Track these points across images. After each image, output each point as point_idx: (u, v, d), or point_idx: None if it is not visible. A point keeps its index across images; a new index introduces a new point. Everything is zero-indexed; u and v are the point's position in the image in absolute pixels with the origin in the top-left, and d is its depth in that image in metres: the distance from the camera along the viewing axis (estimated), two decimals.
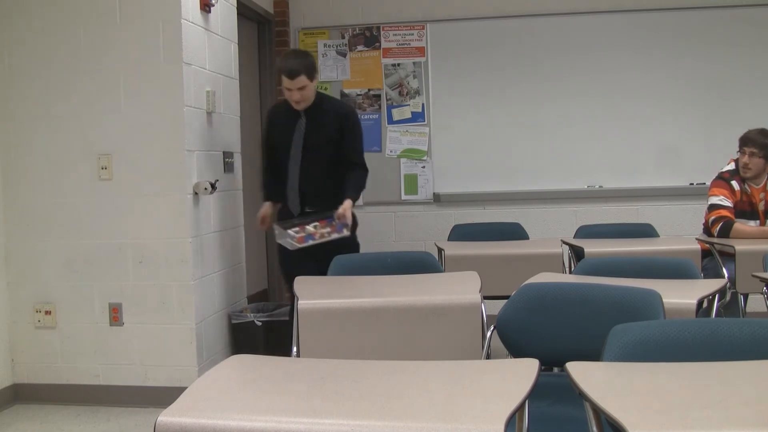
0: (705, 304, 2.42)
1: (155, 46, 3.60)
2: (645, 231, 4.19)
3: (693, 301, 2.21)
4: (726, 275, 3.49)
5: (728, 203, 3.86)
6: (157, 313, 3.69)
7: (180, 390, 1.39)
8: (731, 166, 3.99)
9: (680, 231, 4.62)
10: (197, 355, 3.68)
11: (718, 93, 5.22)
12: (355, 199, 3.54)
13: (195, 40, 3.73)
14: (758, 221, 3.89)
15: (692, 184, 5.22)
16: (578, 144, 5.32)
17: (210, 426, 1.21)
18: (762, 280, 2.90)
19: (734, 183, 3.91)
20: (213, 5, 3.87)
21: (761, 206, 3.91)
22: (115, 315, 3.72)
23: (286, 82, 3.46)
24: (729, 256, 3.58)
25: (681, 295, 2.26)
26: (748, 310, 3.92)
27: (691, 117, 5.25)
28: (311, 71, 3.50)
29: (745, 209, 3.90)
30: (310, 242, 3.42)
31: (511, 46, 5.35)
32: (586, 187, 5.34)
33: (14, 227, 3.78)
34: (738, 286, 3.44)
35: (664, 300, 2.06)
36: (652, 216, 4.94)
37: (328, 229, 3.42)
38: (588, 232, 4.20)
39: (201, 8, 3.79)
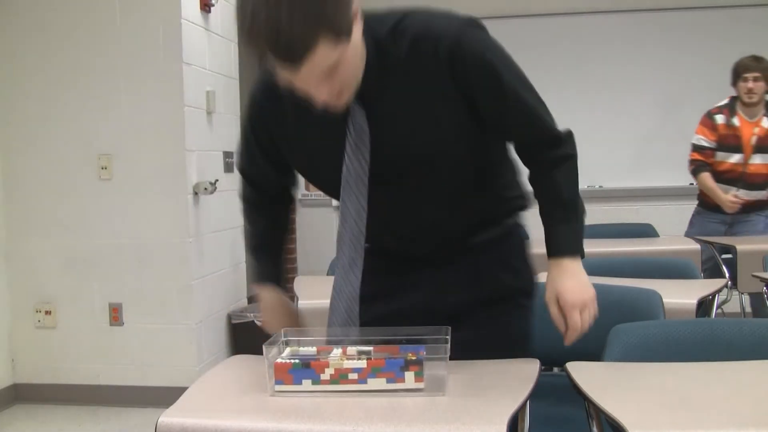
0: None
1: (155, 46, 3.60)
2: (645, 231, 4.19)
3: (693, 301, 2.21)
4: (727, 274, 3.49)
5: (706, 143, 3.94)
6: (157, 313, 3.69)
7: (180, 390, 1.39)
8: (725, 101, 4.00)
9: (680, 231, 4.61)
10: (197, 355, 3.68)
11: (719, 93, 5.21)
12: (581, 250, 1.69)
13: (195, 40, 3.73)
14: (742, 155, 3.89)
15: (692, 184, 5.21)
16: (578, 144, 5.30)
17: (211, 426, 1.21)
18: (762, 280, 2.90)
19: (719, 117, 3.93)
20: (213, 5, 3.87)
21: (753, 141, 3.88)
22: (115, 315, 3.72)
23: (286, 74, 1.25)
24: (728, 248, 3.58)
25: (681, 295, 2.26)
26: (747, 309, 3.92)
27: (691, 117, 5.24)
28: (338, 22, 1.21)
29: (730, 143, 3.91)
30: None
31: (511, 45, 5.24)
32: (586, 187, 5.33)
33: (14, 227, 3.78)
34: (738, 286, 3.44)
35: (664, 300, 2.06)
36: (652, 216, 4.94)
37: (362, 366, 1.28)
38: (588, 232, 4.16)
39: (201, 8, 3.80)
